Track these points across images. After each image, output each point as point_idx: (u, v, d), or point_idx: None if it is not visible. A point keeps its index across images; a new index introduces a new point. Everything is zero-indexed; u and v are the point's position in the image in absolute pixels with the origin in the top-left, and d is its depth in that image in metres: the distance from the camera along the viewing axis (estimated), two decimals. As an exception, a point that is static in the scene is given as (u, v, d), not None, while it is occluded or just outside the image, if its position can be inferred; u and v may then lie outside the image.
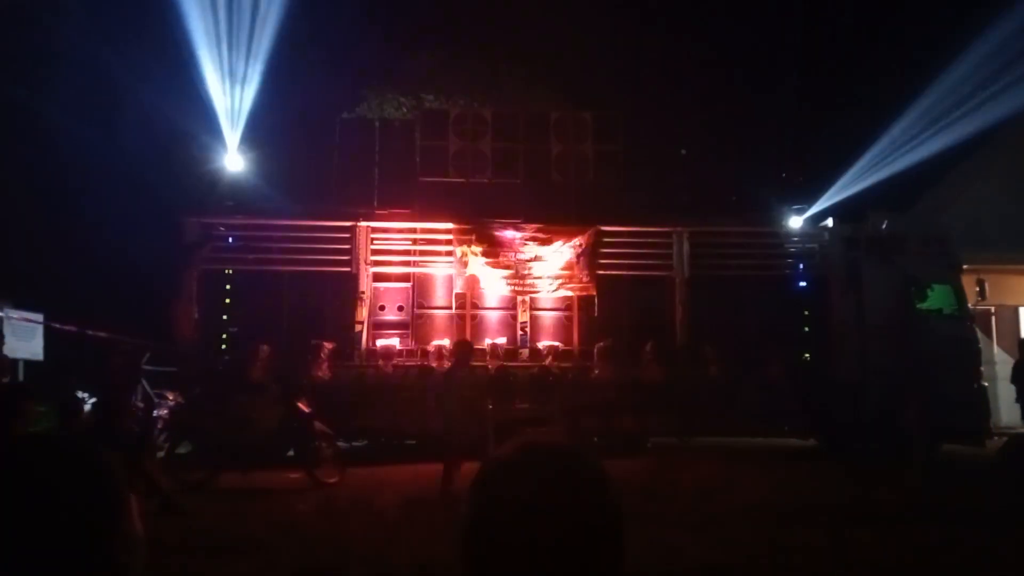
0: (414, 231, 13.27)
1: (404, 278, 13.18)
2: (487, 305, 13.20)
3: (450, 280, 13.12)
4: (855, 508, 8.01)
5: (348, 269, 12.91)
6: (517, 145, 13.77)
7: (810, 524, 7.28)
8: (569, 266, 13.18)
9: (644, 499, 8.00)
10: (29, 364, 12.15)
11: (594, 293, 13.20)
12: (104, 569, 1.03)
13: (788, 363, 13.05)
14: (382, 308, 13.10)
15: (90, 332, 10.71)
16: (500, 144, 13.69)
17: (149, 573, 1.09)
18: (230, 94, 14.89)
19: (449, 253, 13.11)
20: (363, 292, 12.86)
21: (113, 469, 1.09)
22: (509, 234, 13.18)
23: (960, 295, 13.17)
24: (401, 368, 12.52)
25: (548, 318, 13.26)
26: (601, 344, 12.67)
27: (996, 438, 13.16)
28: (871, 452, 12.68)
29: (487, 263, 13.03)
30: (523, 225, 13.22)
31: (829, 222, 14.11)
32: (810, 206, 14.45)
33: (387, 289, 13.17)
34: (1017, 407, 13.91)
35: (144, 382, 12.26)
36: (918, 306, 13.02)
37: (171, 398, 10.64)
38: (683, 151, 15.80)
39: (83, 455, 1.08)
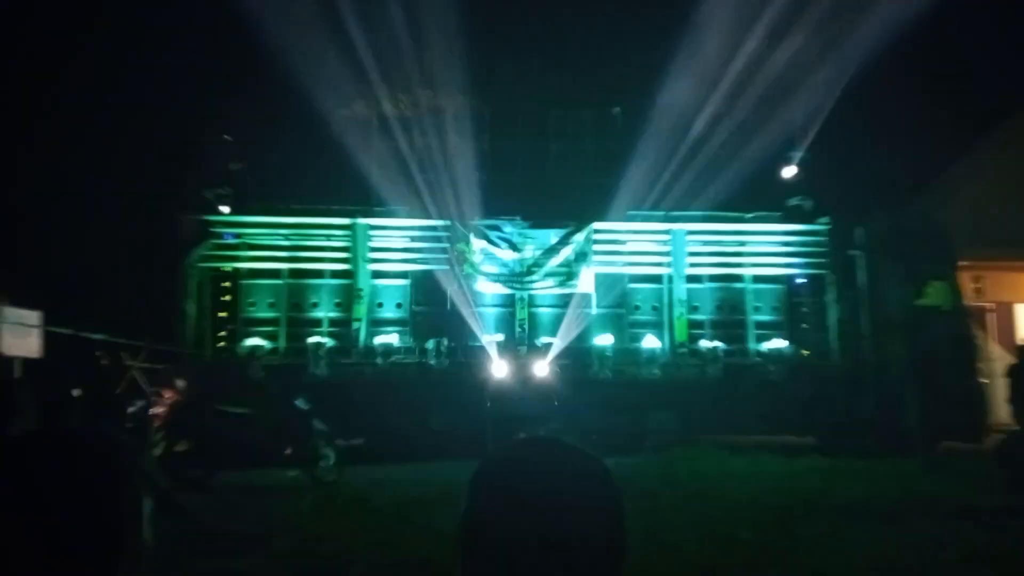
0: (412, 228, 13.26)
1: (402, 275, 13.18)
2: (485, 302, 13.19)
3: (448, 277, 13.10)
4: (854, 505, 8.01)
5: (347, 266, 12.92)
6: (516, 142, 13.77)
7: (808, 521, 7.28)
8: (567, 263, 13.17)
9: (642, 497, 8.00)
10: (26, 362, 12.13)
11: (585, 287, 13.20)
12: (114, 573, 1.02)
13: (787, 360, 13.07)
14: (380, 305, 13.09)
15: (83, 335, 10.70)
16: (499, 142, 13.69)
17: (148, 572, 1.08)
18: (230, 91, 14.86)
19: (447, 250, 13.11)
20: (361, 289, 12.87)
21: (129, 470, 1.08)
22: (508, 231, 13.17)
23: (958, 292, 13.18)
24: (399, 366, 12.52)
25: (546, 315, 13.26)
26: None
27: (994, 435, 13.19)
28: (869, 449, 12.70)
29: (485, 260, 13.03)
30: (522, 222, 13.22)
31: (828, 219, 14.10)
32: (809, 202, 14.43)
33: (385, 286, 13.16)
34: (1010, 406, 13.96)
35: (141, 379, 12.27)
36: (916, 303, 13.03)
37: (168, 396, 10.62)
38: (680, 148, 15.80)
39: (100, 455, 1.06)
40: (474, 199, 13.30)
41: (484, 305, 13.19)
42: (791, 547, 6.37)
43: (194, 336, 12.52)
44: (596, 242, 13.33)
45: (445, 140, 13.61)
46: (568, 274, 13.17)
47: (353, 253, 12.93)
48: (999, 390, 14.06)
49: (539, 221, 13.26)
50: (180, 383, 11.18)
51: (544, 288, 13.16)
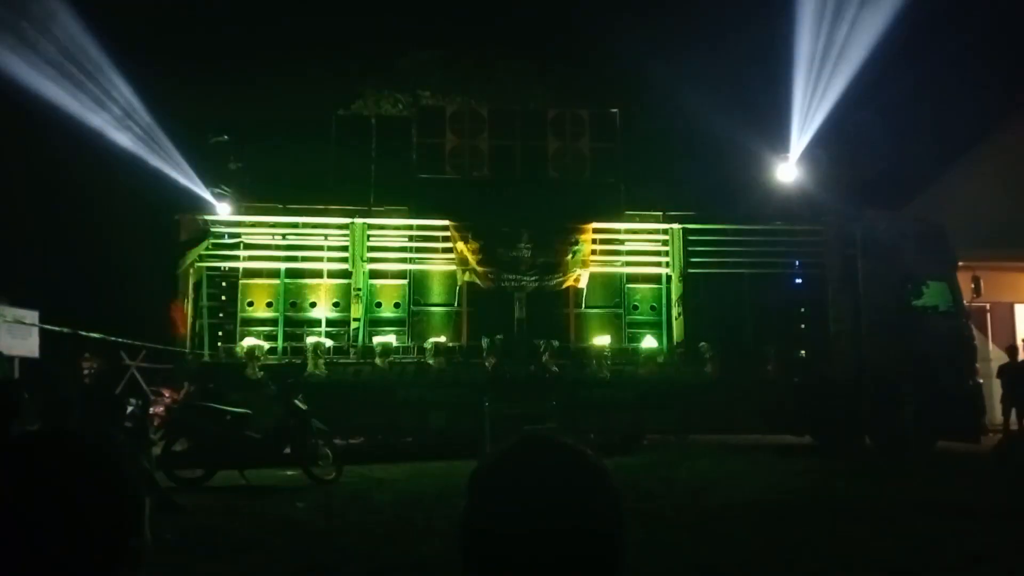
0: (411, 228, 13.25)
1: (401, 275, 13.17)
2: (483, 302, 13.17)
3: (447, 277, 13.10)
4: (851, 505, 8.02)
5: (345, 266, 12.91)
6: (514, 142, 13.76)
7: (806, 521, 7.30)
8: (565, 262, 13.17)
9: (640, 496, 8.02)
10: (25, 362, 12.12)
11: (583, 287, 13.20)
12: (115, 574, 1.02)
13: (784, 360, 13.07)
14: (379, 305, 13.08)
15: (82, 333, 10.70)
16: (497, 141, 13.68)
17: (148, 573, 1.08)
18: (229, 91, 14.86)
19: (446, 250, 13.10)
20: (359, 289, 12.85)
21: (132, 471, 1.07)
22: (505, 230, 13.16)
23: (956, 292, 13.19)
24: (398, 365, 12.52)
25: (545, 314, 13.25)
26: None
27: (991, 435, 13.23)
28: (866, 449, 12.72)
29: (483, 259, 13.01)
30: (520, 221, 13.20)
31: (825, 219, 14.11)
32: (807, 202, 14.44)
33: (384, 286, 13.16)
34: (1002, 406, 14.00)
35: (140, 379, 12.27)
36: (914, 303, 13.04)
37: (167, 395, 10.62)
38: (680, 148, 15.82)
39: (103, 455, 1.06)
40: (472, 198, 13.28)
41: (482, 304, 13.17)
42: (789, 547, 6.38)
43: (192, 336, 12.51)
44: (594, 241, 13.33)
45: (443, 139, 13.59)
46: (566, 273, 13.16)
47: (351, 253, 12.92)
48: (996, 390, 14.10)
49: (537, 220, 13.24)
50: (179, 383, 11.19)
51: (542, 287, 13.15)
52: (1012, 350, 14.62)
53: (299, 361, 12.21)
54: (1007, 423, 13.89)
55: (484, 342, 12.53)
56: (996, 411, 14.46)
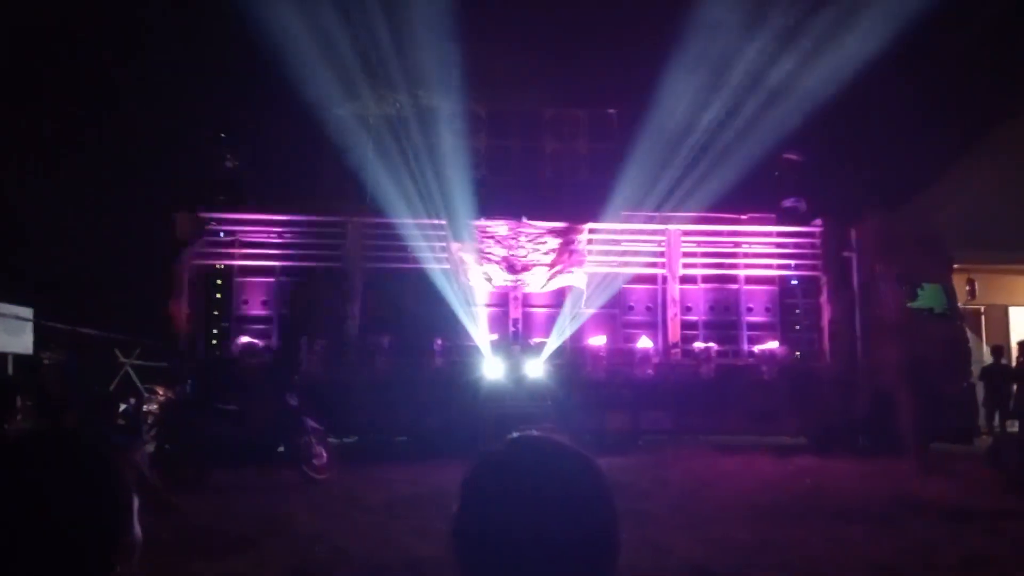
0: (406, 227, 13.22)
1: (396, 274, 13.13)
2: (479, 302, 13.16)
3: (442, 276, 13.07)
4: (846, 506, 8.03)
5: (341, 265, 12.87)
6: (511, 142, 13.76)
7: (801, 522, 7.30)
8: (561, 263, 13.17)
9: (635, 497, 8.01)
10: (19, 359, 12.08)
11: (580, 287, 13.22)
12: (105, 573, 1.01)
13: (780, 361, 13.09)
14: (374, 304, 13.05)
15: (79, 329, 10.67)
16: (494, 141, 13.67)
17: (139, 572, 1.08)
18: (224, 90, 14.84)
19: (443, 249, 13.08)
20: (354, 287, 12.82)
21: (122, 469, 1.08)
22: (503, 231, 13.15)
23: (951, 294, 13.23)
24: (393, 364, 12.49)
25: (540, 315, 13.25)
26: None
27: (984, 437, 13.26)
28: (862, 450, 12.75)
29: (480, 259, 13.01)
30: (517, 222, 13.20)
31: (822, 221, 14.14)
32: (804, 204, 14.46)
33: (379, 284, 13.12)
34: (984, 408, 14.07)
35: (134, 377, 12.25)
36: (909, 305, 13.07)
37: (161, 393, 10.59)
38: (674, 147, 15.83)
39: (94, 454, 1.06)
40: (469, 198, 13.27)
41: (478, 304, 13.15)
42: (784, 548, 6.39)
43: (187, 334, 12.47)
44: (590, 242, 13.33)
45: (440, 139, 13.59)
46: (562, 274, 13.16)
47: (347, 251, 12.89)
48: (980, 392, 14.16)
49: (533, 221, 13.24)
50: (173, 381, 11.17)
51: (538, 287, 13.15)
52: (997, 351, 14.68)
53: (294, 360, 12.16)
54: (992, 425, 13.98)
55: (481, 342, 12.52)
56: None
